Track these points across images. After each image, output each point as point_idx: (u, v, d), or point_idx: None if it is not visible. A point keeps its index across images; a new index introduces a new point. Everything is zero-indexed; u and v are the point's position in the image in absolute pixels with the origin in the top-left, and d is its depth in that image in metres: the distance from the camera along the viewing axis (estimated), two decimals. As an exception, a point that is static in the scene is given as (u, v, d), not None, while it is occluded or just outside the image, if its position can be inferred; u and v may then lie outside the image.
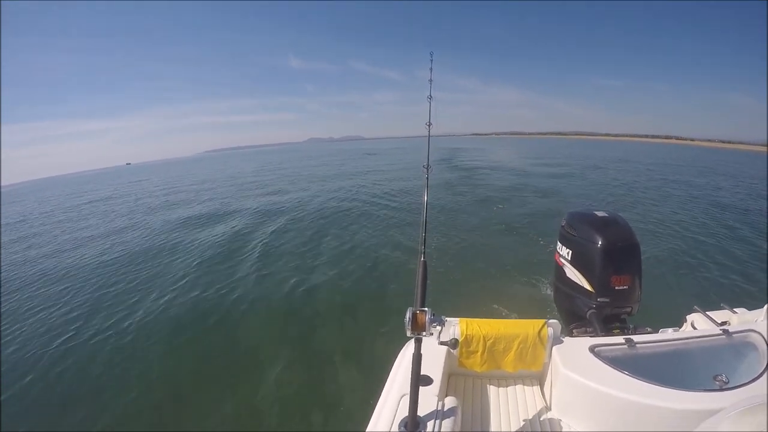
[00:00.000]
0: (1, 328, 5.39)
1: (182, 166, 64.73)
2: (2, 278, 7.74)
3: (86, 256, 8.80)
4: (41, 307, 6.04)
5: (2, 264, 8.95)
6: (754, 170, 24.93)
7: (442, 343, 1.57)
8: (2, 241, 12.11)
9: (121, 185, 32.83)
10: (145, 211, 14.88)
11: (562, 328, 1.87)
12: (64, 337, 4.91)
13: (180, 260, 7.61)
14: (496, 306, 4.74)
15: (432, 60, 2.88)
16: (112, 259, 8.30)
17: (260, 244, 8.25)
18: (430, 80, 2.66)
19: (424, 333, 1.25)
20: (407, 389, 1.27)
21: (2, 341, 5.02)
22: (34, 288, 7.01)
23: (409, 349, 1.71)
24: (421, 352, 1.28)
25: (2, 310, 6.10)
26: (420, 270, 1.40)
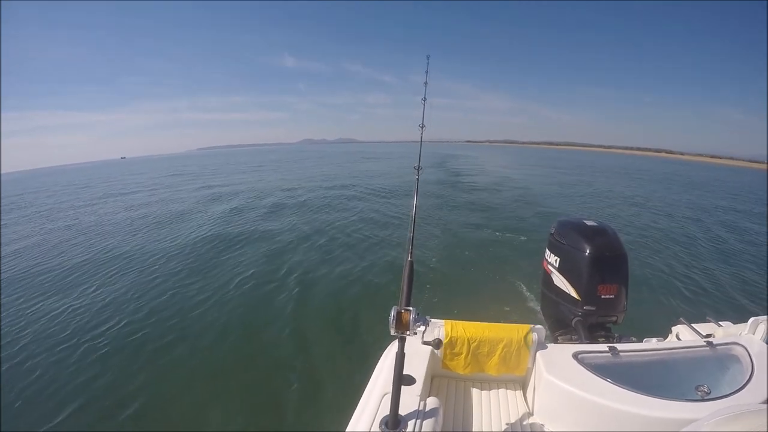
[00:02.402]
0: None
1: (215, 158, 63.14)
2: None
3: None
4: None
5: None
6: (741, 185, 25.62)
7: (425, 343, 1.56)
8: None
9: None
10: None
11: (546, 334, 1.86)
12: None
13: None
14: (481, 310, 4.74)
15: (428, 63, 2.87)
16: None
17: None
18: (425, 83, 2.66)
19: (408, 332, 1.25)
20: (390, 388, 1.27)
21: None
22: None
23: (393, 348, 1.67)
24: (405, 351, 1.29)
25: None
26: (406, 270, 1.41)
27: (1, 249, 9.26)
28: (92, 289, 6.24)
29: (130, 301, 5.59)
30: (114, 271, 7.02)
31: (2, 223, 13.30)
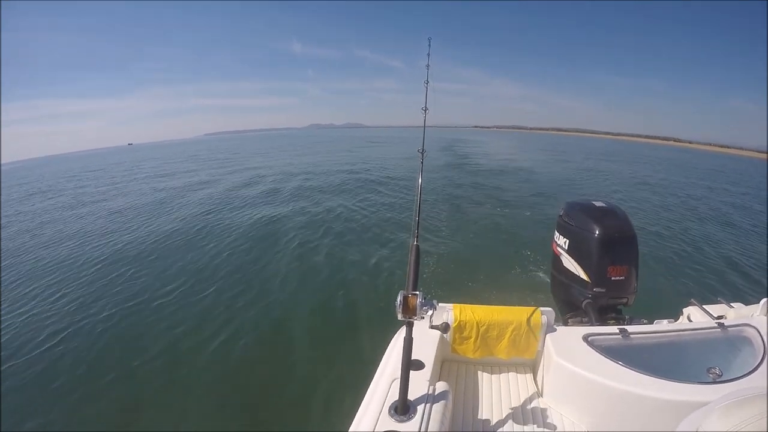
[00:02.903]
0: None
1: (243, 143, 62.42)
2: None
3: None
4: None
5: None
6: (755, 176, 25.45)
7: (433, 327, 1.57)
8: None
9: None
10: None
11: (556, 316, 1.86)
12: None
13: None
14: (490, 293, 4.72)
15: (430, 46, 2.86)
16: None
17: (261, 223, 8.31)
18: (428, 65, 2.65)
19: (415, 317, 1.24)
20: (399, 374, 1.26)
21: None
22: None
23: (402, 334, 1.64)
24: (414, 336, 1.28)
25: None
26: (412, 253, 1.39)
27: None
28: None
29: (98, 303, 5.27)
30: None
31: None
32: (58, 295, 5.47)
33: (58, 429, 3.20)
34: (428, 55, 2.75)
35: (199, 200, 11.49)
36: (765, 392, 0.83)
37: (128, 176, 21.35)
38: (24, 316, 4.90)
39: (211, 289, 5.28)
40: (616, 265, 2.13)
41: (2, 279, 6.31)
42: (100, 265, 6.50)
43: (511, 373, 1.83)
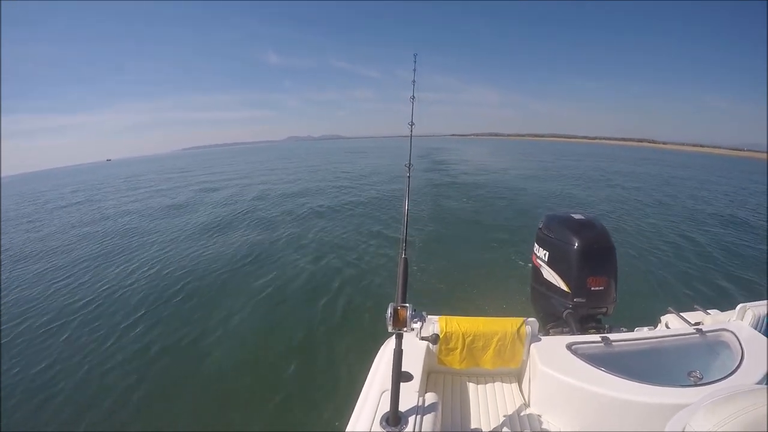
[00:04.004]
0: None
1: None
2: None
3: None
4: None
5: None
6: (726, 174, 26.42)
7: (423, 338, 1.58)
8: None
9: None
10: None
11: (539, 326, 1.89)
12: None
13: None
14: (474, 305, 4.77)
15: (416, 62, 2.89)
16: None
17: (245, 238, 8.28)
18: (413, 81, 2.67)
19: (405, 329, 1.25)
20: (388, 385, 1.27)
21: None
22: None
23: (389, 345, 1.71)
24: (402, 348, 1.29)
25: None
26: (401, 266, 1.41)
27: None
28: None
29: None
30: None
31: None
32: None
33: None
34: (414, 70, 2.78)
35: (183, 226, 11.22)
36: (746, 390, 0.86)
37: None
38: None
39: (192, 302, 5.32)
40: (596, 275, 2.18)
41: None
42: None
43: (497, 383, 1.86)
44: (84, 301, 5.81)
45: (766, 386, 0.88)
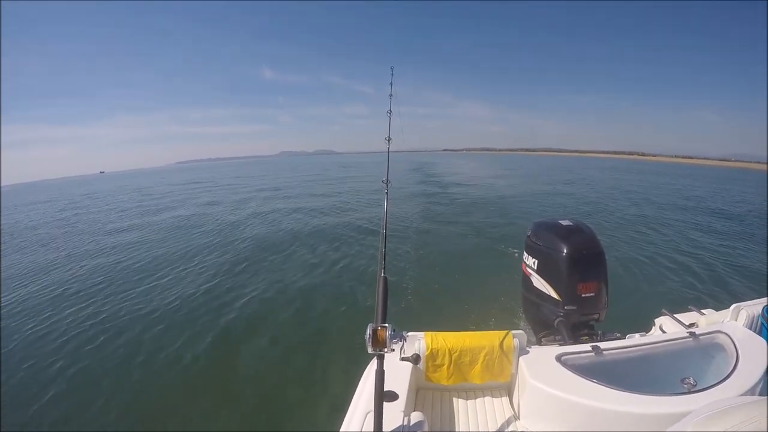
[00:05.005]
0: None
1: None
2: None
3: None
4: None
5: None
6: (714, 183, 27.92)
7: (403, 359, 1.62)
8: None
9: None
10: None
11: (529, 337, 1.89)
12: None
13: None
14: (462, 319, 4.60)
15: (392, 75, 2.93)
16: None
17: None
18: (390, 95, 2.71)
19: (385, 349, 1.21)
20: (372, 406, 1.23)
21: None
22: None
23: (374, 366, 1.59)
24: (386, 368, 1.25)
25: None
26: (380, 286, 1.36)
27: None
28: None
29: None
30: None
31: None
32: None
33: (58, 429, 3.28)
34: (391, 84, 2.82)
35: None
36: (740, 403, 0.80)
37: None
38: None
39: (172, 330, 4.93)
40: (586, 282, 2.16)
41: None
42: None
43: (486, 398, 1.84)
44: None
45: (761, 398, 0.80)
